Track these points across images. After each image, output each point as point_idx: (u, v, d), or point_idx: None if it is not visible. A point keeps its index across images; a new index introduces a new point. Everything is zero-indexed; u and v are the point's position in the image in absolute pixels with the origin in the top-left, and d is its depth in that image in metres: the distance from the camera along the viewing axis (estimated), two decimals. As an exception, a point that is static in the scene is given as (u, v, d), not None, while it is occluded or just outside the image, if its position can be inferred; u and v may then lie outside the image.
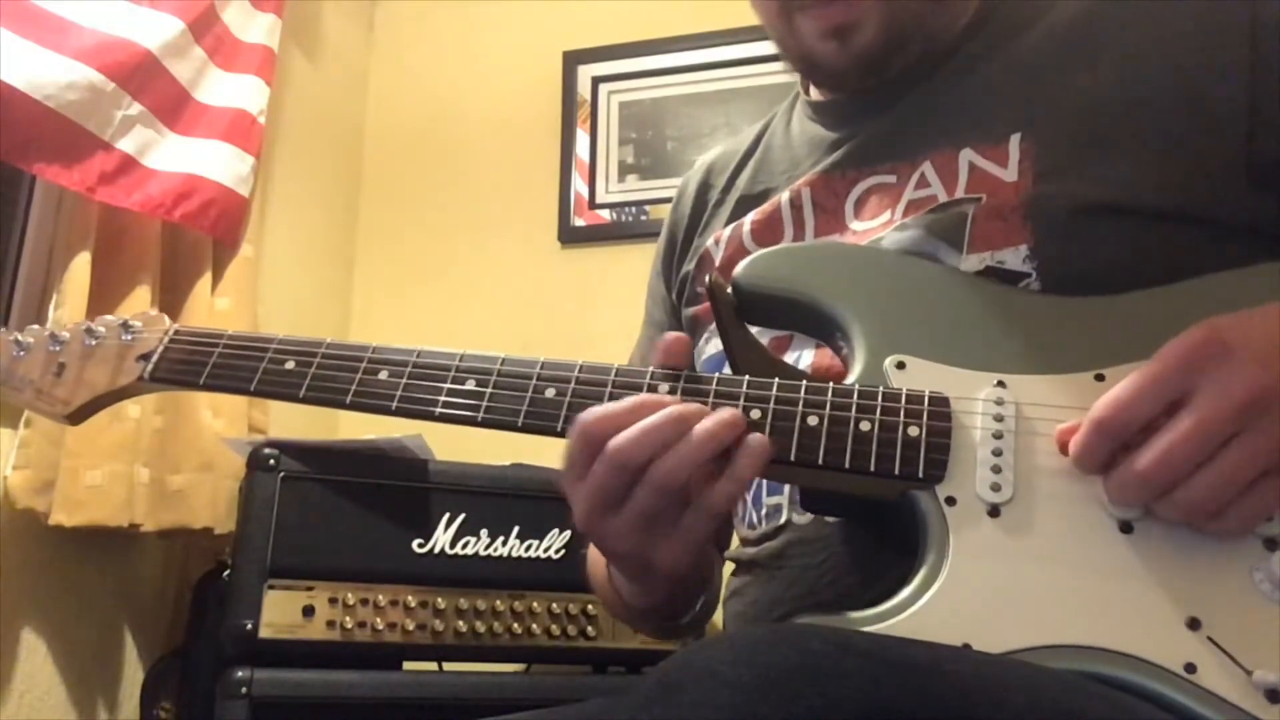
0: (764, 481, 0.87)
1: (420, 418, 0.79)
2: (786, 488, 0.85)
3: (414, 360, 0.81)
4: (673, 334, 0.77)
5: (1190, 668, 0.60)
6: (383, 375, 0.80)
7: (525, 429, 0.76)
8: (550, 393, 0.77)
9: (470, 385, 0.79)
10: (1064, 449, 0.67)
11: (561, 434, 0.75)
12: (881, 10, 0.87)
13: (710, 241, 0.99)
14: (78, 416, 0.88)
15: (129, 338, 0.88)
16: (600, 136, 2.62)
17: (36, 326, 0.91)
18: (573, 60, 2.69)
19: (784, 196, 0.94)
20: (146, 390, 0.87)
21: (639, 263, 1.13)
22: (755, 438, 0.70)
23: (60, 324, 1.71)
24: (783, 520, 0.85)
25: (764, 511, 0.87)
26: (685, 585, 0.82)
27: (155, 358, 0.86)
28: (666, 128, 2.58)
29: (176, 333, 0.88)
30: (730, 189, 1.03)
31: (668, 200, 1.13)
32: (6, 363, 0.89)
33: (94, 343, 0.88)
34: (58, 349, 0.89)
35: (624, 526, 0.69)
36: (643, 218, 2.53)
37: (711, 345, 0.94)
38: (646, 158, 2.58)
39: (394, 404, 0.80)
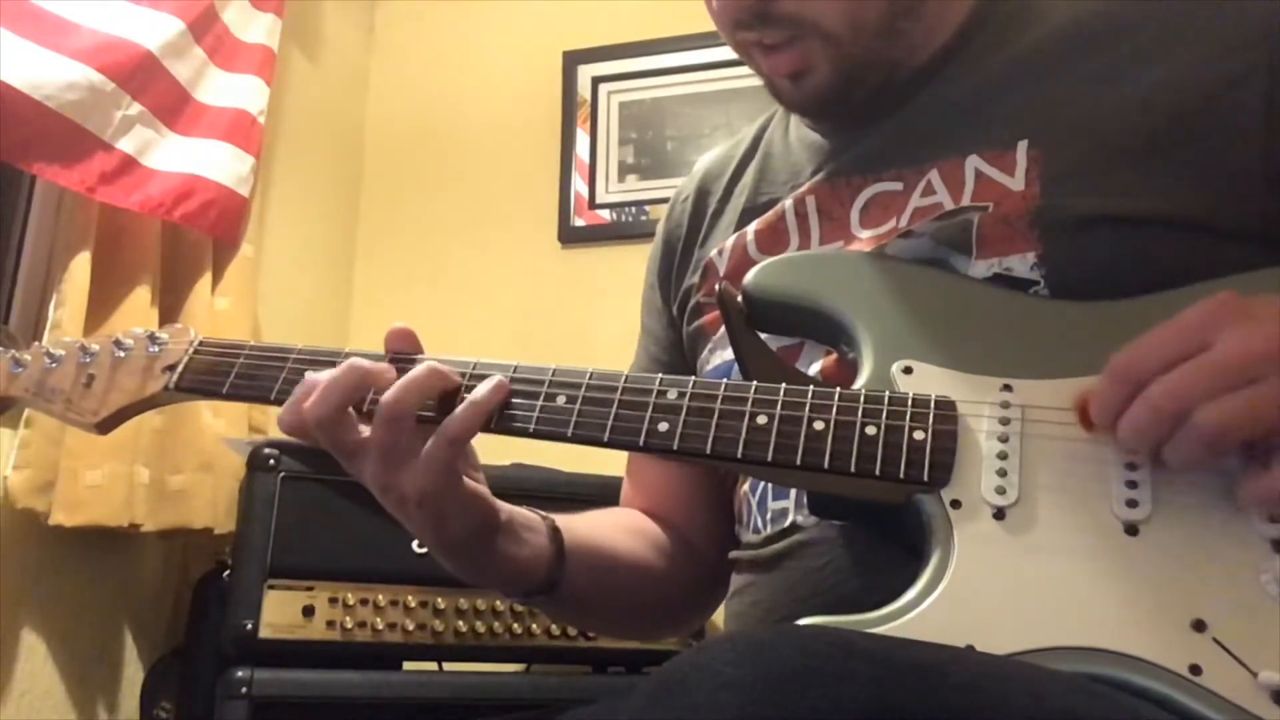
0: (770, 485, 0.88)
1: (435, 424, 0.79)
2: (793, 492, 0.85)
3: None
4: (396, 327, 0.83)
5: (1195, 669, 0.60)
6: None
7: (536, 435, 0.77)
8: (561, 400, 0.78)
9: None
10: (1083, 420, 0.67)
11: (571, 439, 0.77)
12: (830, 55, 0.87)
13: (714, 252, 0.98)
14: (106, 426, 0.90)
15: (156, 349, 0.89)
16: (600, 136, 2.62)
17: (69, 339, 0.93)
18: (573, 60, 2.69)
19: (788, 204, 0.94)
20: (172, 400, 0.90)
21: (639, 263, 1.13)
22: (496, 377, 0.78)
23: (59, 325, 1.74)
24: (788, 523, 0.85)
25: (769, 515, 0.87)
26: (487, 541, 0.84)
27: (180, 368, 0.88)
28: (666, 128, 2.58)
29: (201, 343, 0.89)
30: (730, 197, 1.02)
31: (668, 200, 1.12)
32: (39, 375, 0.91)
33: (123, 354, 0.90)
34: (88, 361, 0.90)
35: (370, 465, 0.77)
36: (643, 218, 2.53)
37: (717, 356, 0.94)
38: (646, 158, 2.58)
39: None
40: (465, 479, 0.80)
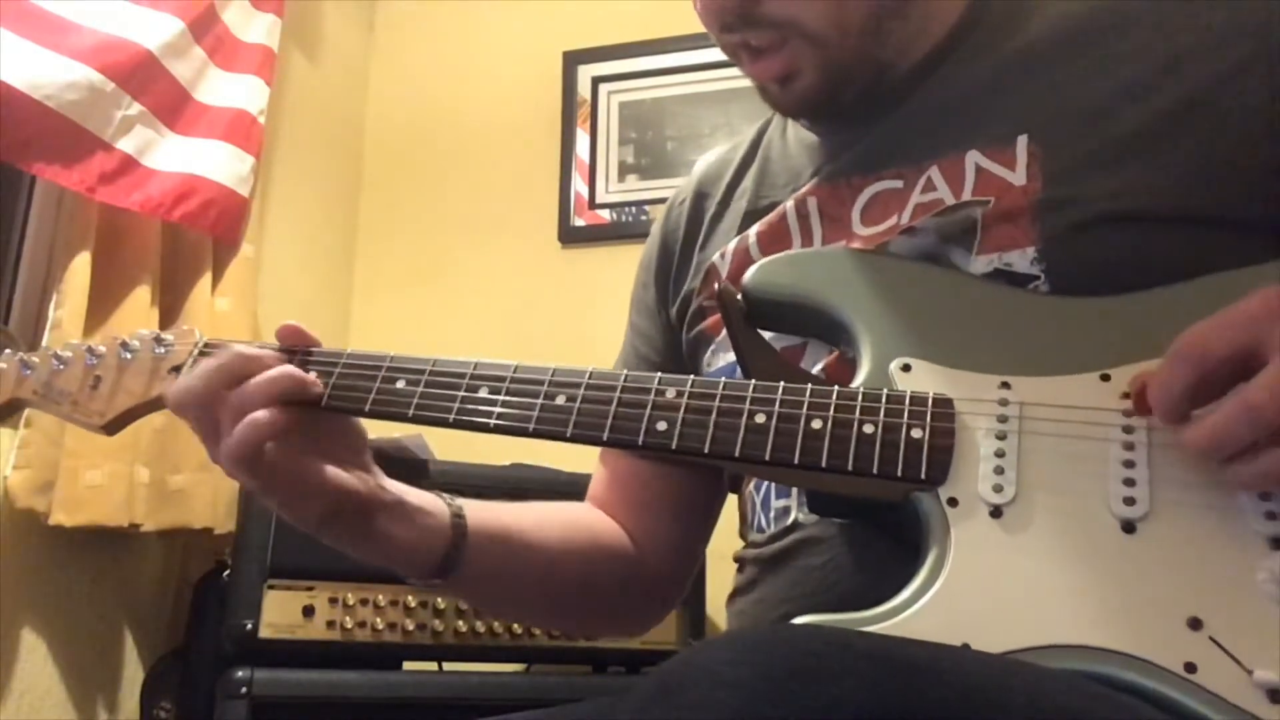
0: (773, 484, 0.88)
1: (436, 425, 0.80)
2: (795, 490, 0.85)
3: (430, 369, 0.82)
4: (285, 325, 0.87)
5: (1190, 667, 0.60)
6: (400, 384, 0.82)
7: (536, 434, 0.78)
8: (561, 399, 0.78)
9: (484, 393, 0.80)
10: (1140, 405, 0.66)
11: (570, 439, 0.77)
12: (816, 57, 0.87)
13: (715, 256, 0.98)
14: (113, 427, 0.90)
15: (162, 350, 0.90)
16: (600, 136, 2.62)
17: (76, 341, 0.94)
18: (573, 60, 2.69)
19: (789, 205, 0.94)
20: None
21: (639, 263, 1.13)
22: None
23: (59, 325, 1.74)
24: (790, 521, 0.85)
25: (772, 514, 0.88)
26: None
27: (185, 370, 0.88)
28: (666, 128, 2.59)
29: (206, 345, 0.89)
30: (730, 201, 1.02)
31: (668, 200, 1.12)
32: (46, 377, 0.91)
33: (129, 356, 0.90)
34: (95, 363, 0.91)
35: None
36: (643, 218, 2.53)
37: (719, 359, 0.94)
38: (646, 158, 2.58)
39: (410, 411, 0.81)
40: (312, 466, 0.81)
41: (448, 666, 1.79)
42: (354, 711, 1.63)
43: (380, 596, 1.65)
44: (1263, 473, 0.61)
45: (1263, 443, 0.60)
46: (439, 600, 1.68)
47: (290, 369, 0.82)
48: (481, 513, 0.91)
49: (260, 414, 0.78)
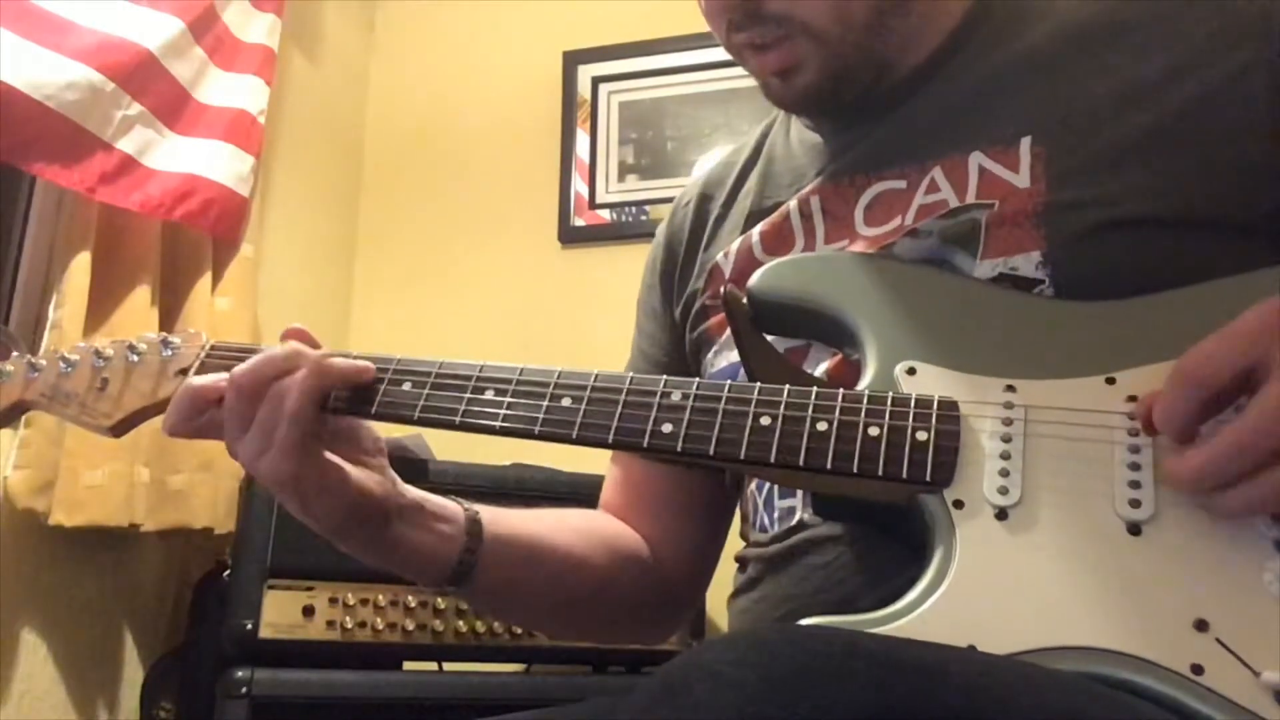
0: (775, 486, 0.88)
1: (441, 427, 0.81)
2: (799, 490, 0.85)
3: (436, 371, 0.83)
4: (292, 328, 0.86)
5: (1197, 669, 0.60)
6: (406, 386, 0.82)
7: (541, 436, 0.78)
8: (566, 401, 0.78)
9: (490, 395, 0.80)
10: (1147, 426, 0.66)
11: (576, 441, 0.77)
12: (818, 52, 0.87)
13: (719, 256, 0.98)
14: (120, 429, 0.91)
15: (169, 353, 0.90)
16: (600, 136, 2.62)
17: (83, 344, 0.94)
18: (573, 60, 2.69)
19: (792, 205, 0.94)
20: None
21: (639, 263, 1.13)
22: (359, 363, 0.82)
23: (59, 325, 1.74)
24: (795, 521, 0.85)
25: (776, 514, 0.88)
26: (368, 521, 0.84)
27: (192, 372, 0.88)
28: (666, 128, 2.59)
29: (213, 347, 0.90)
30: (734, 202, 1.03)
31: (668, 200, 1.12)
32: (54, 379, 0.92)
33: (136, 359, 0.91)
34: (102, 365, 0.91)
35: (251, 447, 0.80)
36: (643, 218, 2.53)
37: (722, 359, 0.94)
38: (646, 158, 2.58)
39: (416, 414, 0.81)
40: (335, 463, 0.81)
41: (448, 666, 1.79)
42: (354, 711, 1.63)
43: (380, 596, 1.65)
44: (1249, 500, 0.61)
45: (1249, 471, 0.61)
46: (439, 600, 1.68)
47: (325, 364, 0.81)
48: (497, 519, 0.91)
49: (305, 408, 0.78)
